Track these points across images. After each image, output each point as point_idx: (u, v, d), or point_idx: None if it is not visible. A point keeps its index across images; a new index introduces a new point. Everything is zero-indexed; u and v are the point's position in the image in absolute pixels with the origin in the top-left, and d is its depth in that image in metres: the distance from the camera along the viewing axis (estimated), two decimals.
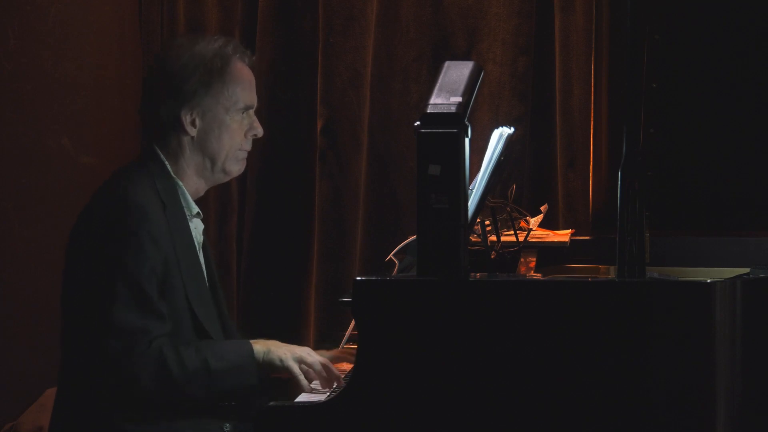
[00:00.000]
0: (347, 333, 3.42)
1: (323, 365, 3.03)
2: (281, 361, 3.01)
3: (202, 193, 3.20)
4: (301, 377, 3.01)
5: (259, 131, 3.18)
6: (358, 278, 2.76)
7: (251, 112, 3.17)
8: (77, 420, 2.98)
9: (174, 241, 3.01)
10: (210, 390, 2.95)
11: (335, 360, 3.21)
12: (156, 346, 2.91)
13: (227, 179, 3.22)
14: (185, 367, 2.91)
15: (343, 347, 3.38)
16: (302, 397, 3.07)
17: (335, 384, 3.05)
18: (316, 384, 3.06)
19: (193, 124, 3.10)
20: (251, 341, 3.04)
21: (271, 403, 2.78)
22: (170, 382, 2.91)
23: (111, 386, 2.91)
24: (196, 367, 2.92)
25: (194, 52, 3.10)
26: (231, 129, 3.13)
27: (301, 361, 3.02)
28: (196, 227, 3.17)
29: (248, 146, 3.18)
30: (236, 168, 3.18)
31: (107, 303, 2.89)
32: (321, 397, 2.94)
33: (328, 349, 3.31)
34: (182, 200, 3.12)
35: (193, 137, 3.11)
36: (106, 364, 2.90)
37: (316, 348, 3.19)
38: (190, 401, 2.96)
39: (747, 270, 3.10)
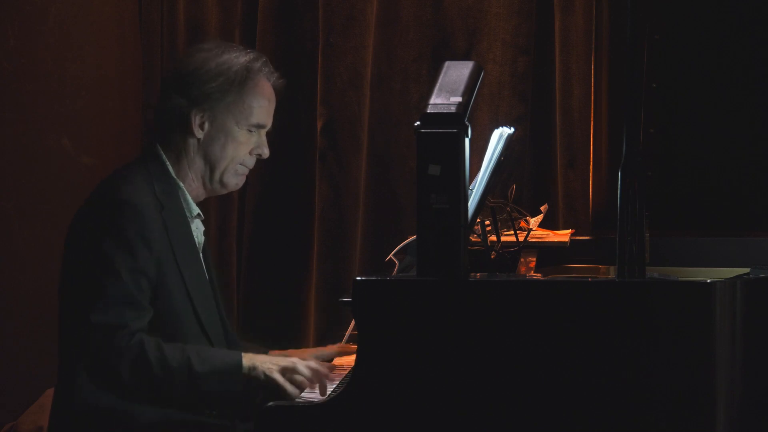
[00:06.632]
0: (347, 333, 3.42)
1: (312, 370, 2.97)
2: (265, 375, 2.94)
3: (201, 199, 3.19)
4: (287, 385, 2.94)
5: (265, 152, 3.17)
6: (358, 278, 2.75)
7: (262, 132, 3.16)
8: (75, 417, 2.98)
9: (171, 243, 3.00)
10: (191, 391, 2.91)
11: (337, 355, 3.19)
12: (137, 340, 2.89)
13: (224, 191, 3.21)
14: (166, 364, 2.89)
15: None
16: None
17: (328, 384, 3.01)
18: (310, 393, 3.01)
19: (201, 126, 3.10)
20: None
21: (271, 403, 2.78)
22: (150, 378, 2.89)
23: (97, 380, 2.91)
24: (177, 366, 2.89)
25: (223, 59, 3.10)
26: (237, 141, 3.12)
27: (285, 372, 2.96)
28: (197, 228, 3.16)
29: (251, 164, 3.17)
30: (234, 181, 3.17)
31: (90, 299, 2.89)
32: (321, 397, 2.94)
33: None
34: (182, 201, 3.11)
35: (198, 140, 3.11)
36: (89, 359, 2.90)
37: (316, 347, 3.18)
38: (174, 400, 2.94)
39: (747, 270, 3.10)
